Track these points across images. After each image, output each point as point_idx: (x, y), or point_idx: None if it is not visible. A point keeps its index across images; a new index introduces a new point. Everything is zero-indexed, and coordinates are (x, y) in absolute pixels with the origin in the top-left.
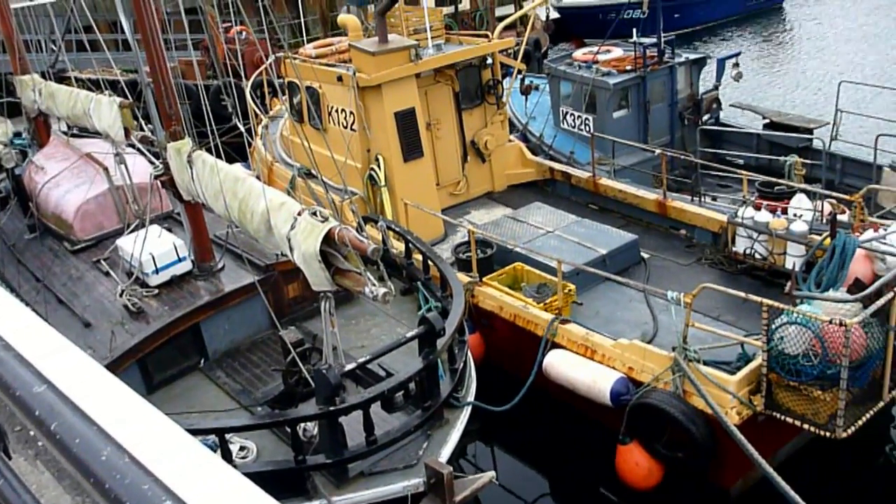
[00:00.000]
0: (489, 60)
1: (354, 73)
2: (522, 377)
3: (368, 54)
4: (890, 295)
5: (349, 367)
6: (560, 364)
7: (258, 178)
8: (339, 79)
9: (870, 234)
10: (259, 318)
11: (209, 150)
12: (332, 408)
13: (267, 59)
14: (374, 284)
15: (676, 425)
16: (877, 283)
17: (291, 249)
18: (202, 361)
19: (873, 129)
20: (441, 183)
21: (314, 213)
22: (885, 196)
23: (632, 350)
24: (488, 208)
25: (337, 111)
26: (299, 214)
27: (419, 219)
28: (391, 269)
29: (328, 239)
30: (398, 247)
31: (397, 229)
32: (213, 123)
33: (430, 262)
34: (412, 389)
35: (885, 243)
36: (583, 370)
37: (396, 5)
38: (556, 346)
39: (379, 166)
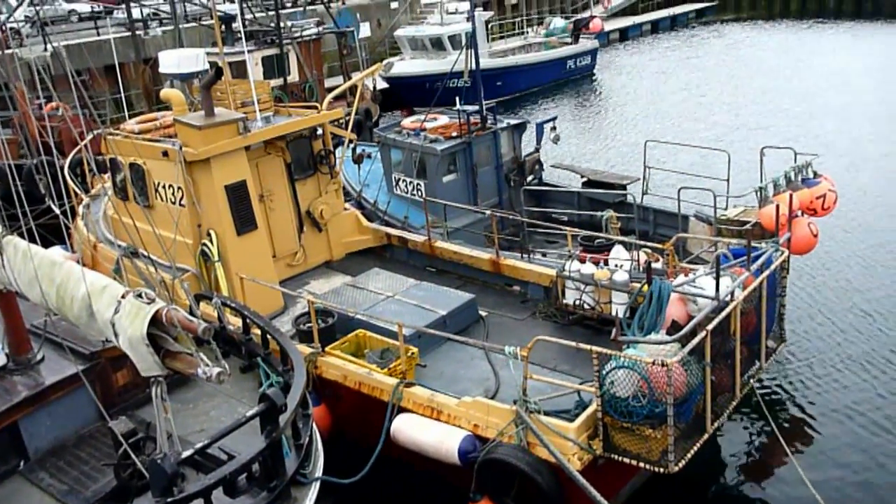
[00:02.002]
0: (320, 131)
1: (181, 148)
2: (372, 445)
3: (195, 128)
4: (703, 333)
5: (186, 453)
6: (407, 428)
7: (80, 261)
8: (165, 154)
9: (681, 278)
10: (85, 410)
11: (22, 235)
12: (169, 499)
13: (85, 136)
14: (207, 365)
15: (523, 477)
16: (691, 324)
17: (116, 335)
18: (21, 464)
19: (677, 182)
20: (278, 254)
21: (139, 295)
22: (692, 243)
23: (476, 407)
24: (327, 277)
25: (164, 187)
26: (123, 297)
27: (257, 292)
28: (229, 346)
29: (156, 321)
30: (236, 323)
31: (233, 305)
32: (25, 206)
33: (269, 337)
34: (256, 470)
35: (695, 286)
36: (430, 432)
37: (222, 79)
38: (402, 410)
39: (211, 241)
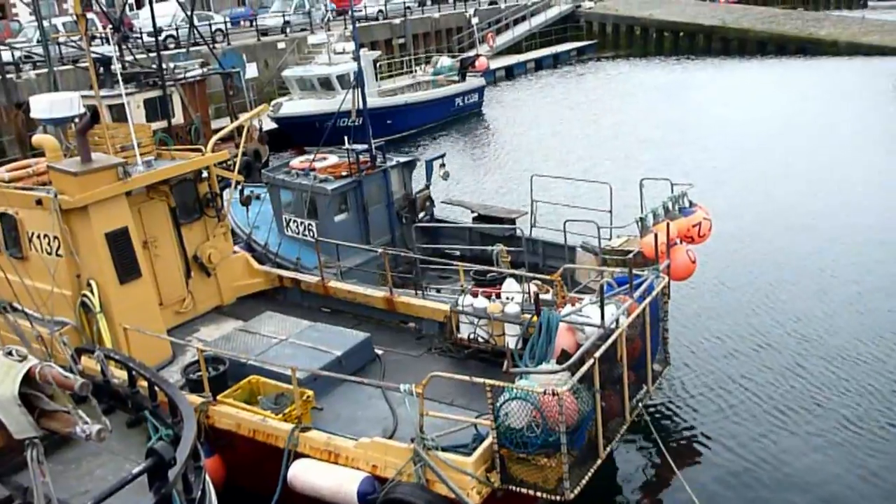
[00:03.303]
0: (205, 173)
1: (56, 196)
2: (269, 494)
3: (70, 175)
4: (591, 361)
5: None
6: (305, 474)
7: None
8: (39, 202)
9: (569, 308)
10: None
11: None
12: None
13: None
14: (86, 422)
15: None
16: (579, 352)
17: None
18: None
19: (563, 215)
20: (164, 302)
21: (10, 353)
22: (580, 273)
23: (373, 448)
24: (218, 323)
25: (39, 237)
26: None
27: (143, 343)
28: (114, 401)
29: (29, 379)
30: (121, 376)
31: (118, 357)
32: None
33: (157, 388)
34: None
35: (581, 315)
36: (328, 476)
37: (99, 123)
38: (299, 455)
39: (92, 292)
